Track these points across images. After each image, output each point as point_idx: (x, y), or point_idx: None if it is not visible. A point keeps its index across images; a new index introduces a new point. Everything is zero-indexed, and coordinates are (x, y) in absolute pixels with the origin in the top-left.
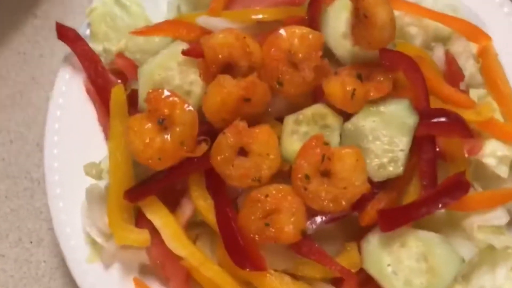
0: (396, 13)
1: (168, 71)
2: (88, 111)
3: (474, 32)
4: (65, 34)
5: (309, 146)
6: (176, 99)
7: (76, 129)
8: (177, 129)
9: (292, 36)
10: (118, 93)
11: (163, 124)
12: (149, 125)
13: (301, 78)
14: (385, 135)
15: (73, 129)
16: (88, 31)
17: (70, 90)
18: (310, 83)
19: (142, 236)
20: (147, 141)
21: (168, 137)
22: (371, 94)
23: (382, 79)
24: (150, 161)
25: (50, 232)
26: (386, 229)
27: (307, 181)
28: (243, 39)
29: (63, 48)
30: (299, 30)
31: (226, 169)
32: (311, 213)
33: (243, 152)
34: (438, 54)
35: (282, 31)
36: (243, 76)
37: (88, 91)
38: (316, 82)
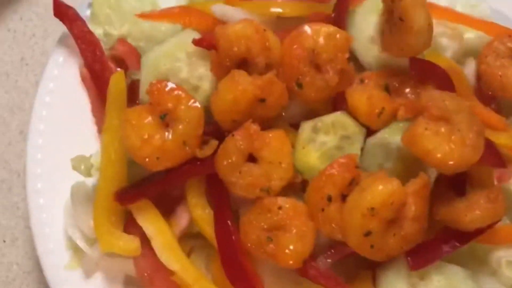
0: None
1: (175, 62)
2: (81, 99)
3: None
4: (63, 11)
5: (340, 165)
6: (181, 93)
7: (66, 118)
8: (180, 126)
9: (317, 34)
10: (117, 81)
11: (165, 120)
12: (150, 119)
13: (324, 81)
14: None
15: (62, 118)
16: (88, 12)
17: (62, 75)
18: (333, 88)
19: (131, 244)
20: (146, 137)
21: (169, 134)
22: (400, 113)
23: (412, 96)
24: (147, 160)
25: (27, 231)
26: (416, 267)
27: (327, 203)
28: (263, 32)
29: (59, 29)
30: (325, 28)
31: (232, 176)
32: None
33: (252, 158)
34: (470, 69)
35: (306, 28)
36: (259, 74)
37: (83, 77)
38: (339, 88)
